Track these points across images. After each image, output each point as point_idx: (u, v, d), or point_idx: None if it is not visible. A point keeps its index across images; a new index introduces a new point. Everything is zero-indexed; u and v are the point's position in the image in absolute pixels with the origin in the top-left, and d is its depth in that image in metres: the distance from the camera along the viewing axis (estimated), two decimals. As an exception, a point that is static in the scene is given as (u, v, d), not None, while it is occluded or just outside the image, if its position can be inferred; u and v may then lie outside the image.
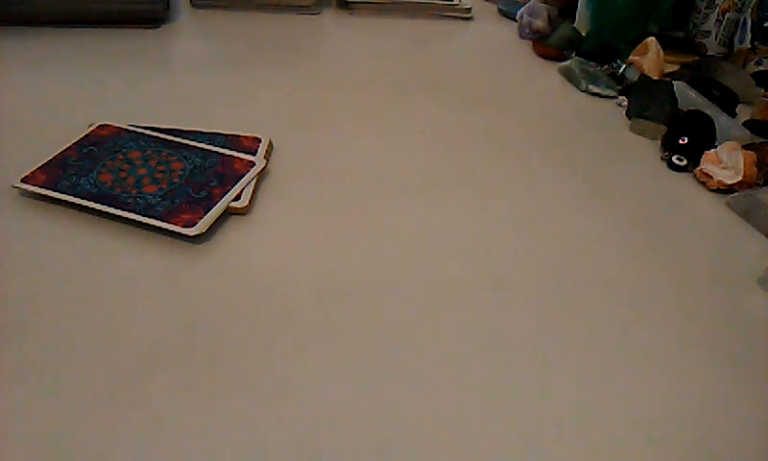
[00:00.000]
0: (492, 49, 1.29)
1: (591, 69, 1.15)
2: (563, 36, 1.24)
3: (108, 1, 1.11)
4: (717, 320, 0.66)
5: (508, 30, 1.35)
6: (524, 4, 1.32)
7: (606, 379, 0.58)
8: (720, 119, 0.97)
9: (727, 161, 0.87)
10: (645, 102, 1.01)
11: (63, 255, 0.64)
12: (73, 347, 0.54)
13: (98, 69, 0.99)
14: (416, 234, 0.73)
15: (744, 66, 1.21)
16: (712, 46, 1.28)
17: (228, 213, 0.71)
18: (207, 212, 0.69)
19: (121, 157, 0.76)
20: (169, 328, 0.57)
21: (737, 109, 1.06)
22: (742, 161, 0.86)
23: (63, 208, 0.69)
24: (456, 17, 1.38)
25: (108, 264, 0.63)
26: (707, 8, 1.27)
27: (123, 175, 0.73)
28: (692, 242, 0.78)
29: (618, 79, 1.13)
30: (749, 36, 1.21)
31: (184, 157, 0.77)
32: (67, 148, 0.76)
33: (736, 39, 1.25)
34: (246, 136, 0.83)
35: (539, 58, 1.24)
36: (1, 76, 0.94)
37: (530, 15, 1.29)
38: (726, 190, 0.86)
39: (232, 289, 0.62)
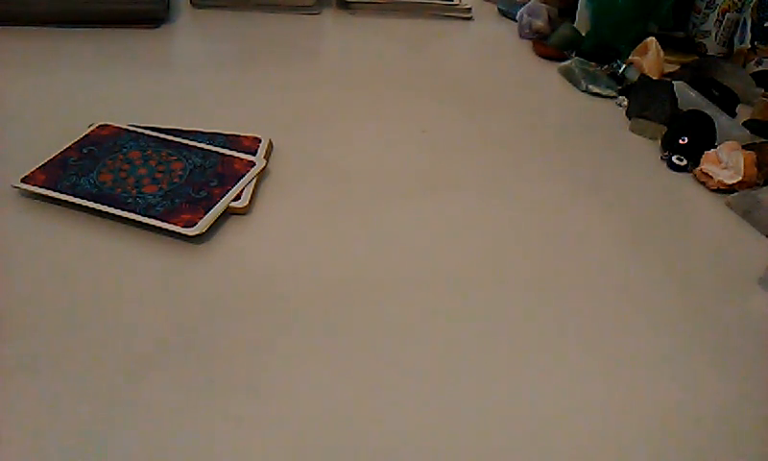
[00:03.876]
0: (492, 49, 1.29)
1: (591, 69, 1.15)
2: (563, 36, 1.24)
3: (108, 1, 1.10)
4: (717, 320, 0.66)
5: (508, 30, 1.35)
6: (524, 4, 1.32)
7: (605, 379, 0.58)
8: (720, 119, 0.97)
9: (727, 161, 0.87)
10: (645, 102, 1.01)
11: (63, 255, 0.64)
12: (72, 346, 0.54)
13: (98, 69, 0.99)
14: (416, 234, 0.73)
15: (744, 66, 1.21)
16: (712, 46, 1.28)
17: (228, 213, 0.71)
18: (207, 212, 0.69)
19: (121, 156, 0.76)
20: (169, 328, 0.57)
21: (737, 109, 1.06)
22: (742, 161, 0.86)
23: (63, 208, 0.69)
24: (456, 17, 1.38)
25: (108, 264, 0.63)
26: (707, 8, 1.27)
27: (123, 175, 0.73)
28: (692, 242, 0.78)
29: (618, 79, 1.13)
30: (749, 35, 1.21)
31: (184, 156, 0.77)
32: (67, 148, 0.76)
33: (736, 39, 1.25)
34: (246, 136, 0.83)
35: (539, 58, 1.24)
36: (1, 76, 0.94)
37: (530, 15, 1.29)
38: (726, 190, 0.86)
39: (232, 289, 0.62)
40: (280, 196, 0.76)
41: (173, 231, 0.66)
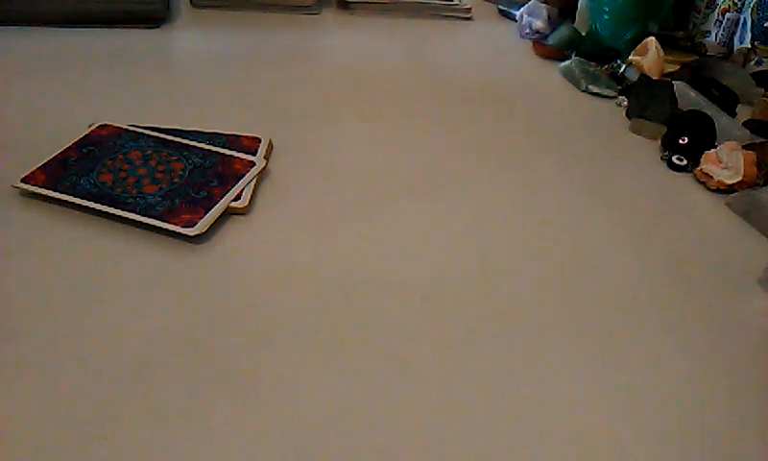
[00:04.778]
0: (492, 49, 1.29)
1: (591, 69, 1.15)
2: (563, 36, 1.24)
3: (108, 1, 1.11)
4: (717, 320, 0.66)
5: (508, 30, 1.35)
6: (524, 4, 1.32)
7: (605, 378, 0.58)
8: (720, 119, 0.97)
9: (727, 161, 0.87)
10: (645, 102, 1.02)
11: (63, 256, 0.64)
12: (73, 346, 0.54)
13: (98, 69, 0.99)
14: (415, 234, 0.73)
15: (744, 66, 1.21)
16: (712, 46, 1.28)
17: (228, 213, 0.71)
18: (207, 212, 0.69)
19: (121, 156, 0.76)
20: (169, 328, 0.57)
21: (737, 109, 1.06)
22: (742, 161, 0.86)
23: (63, 208, 0.69)
24: (456, 17, 1.38)
25: (108, 264, 0.63)
26: (707, 8, 1.27)
27: (123, 175, 0.73)
28: (692, 242, 0.78)
29: (618, 79, 1.14)
30: (749, 35, 1.21)
31: (184, 157, 0.77)
32: (67, 148, 0.76)
33: (736, 39, 1.25)
34: (246, 136, 0.83)
35: (539, 58, 1.24)
36: (2, 76, 0.94)
37: (530, 15, 1.29)
38: (726, 190, 0.86)
39: (232, 289, 0.62)
40: (280, 196, 0.76)
41: (173, 231, 0.66)
